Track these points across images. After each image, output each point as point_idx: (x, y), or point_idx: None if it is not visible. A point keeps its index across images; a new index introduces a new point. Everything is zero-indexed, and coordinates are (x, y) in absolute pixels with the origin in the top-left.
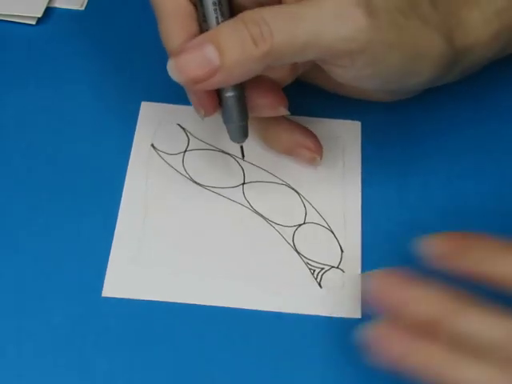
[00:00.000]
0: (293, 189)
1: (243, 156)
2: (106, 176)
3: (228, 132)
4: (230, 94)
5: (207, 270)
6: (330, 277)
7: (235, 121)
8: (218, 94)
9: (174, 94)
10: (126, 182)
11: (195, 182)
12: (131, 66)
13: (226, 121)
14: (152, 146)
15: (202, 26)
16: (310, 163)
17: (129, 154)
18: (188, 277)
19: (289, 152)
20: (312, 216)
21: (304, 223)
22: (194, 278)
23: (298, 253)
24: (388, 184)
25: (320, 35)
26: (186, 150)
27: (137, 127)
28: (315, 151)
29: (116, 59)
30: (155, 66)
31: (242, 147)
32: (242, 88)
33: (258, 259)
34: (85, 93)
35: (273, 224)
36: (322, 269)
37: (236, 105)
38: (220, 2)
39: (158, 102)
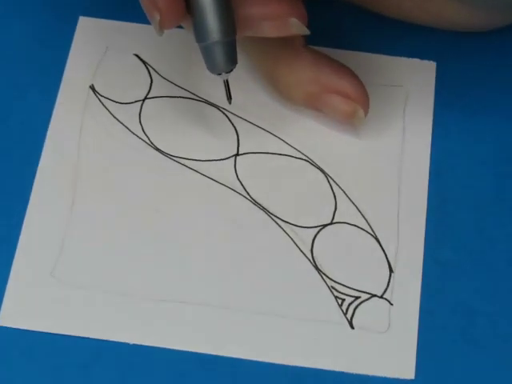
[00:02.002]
0: (316, 166)
1: (229, 98)
2: (17, 137)
3: (203, 56)
4: None
5: (164, 294)
6: (369, 311)
7: (212, 34)
8: None
9: (132, 6)
10: (44, 148)
11: (158, 150)
12: None
13: (199, 36)
14: (91, 88)
15: None
16: (345, 120)
17: (53, 101)
18: (133, 304)
19: (311, 102)
20: (345, 212)
21: (331, 223)
22: (142, 308)
23: (319, 271)
24: (472, 165)
25: None
26: (145, 98)
27: (69, 56)
28: (356, 100)
29: None
30: None
31: (226, 83)
32: None
33: (255, 280)
34: None
35: (281, 223)
36: (356, 298)
37: (214, 5)
38: None
39: (105, 18)
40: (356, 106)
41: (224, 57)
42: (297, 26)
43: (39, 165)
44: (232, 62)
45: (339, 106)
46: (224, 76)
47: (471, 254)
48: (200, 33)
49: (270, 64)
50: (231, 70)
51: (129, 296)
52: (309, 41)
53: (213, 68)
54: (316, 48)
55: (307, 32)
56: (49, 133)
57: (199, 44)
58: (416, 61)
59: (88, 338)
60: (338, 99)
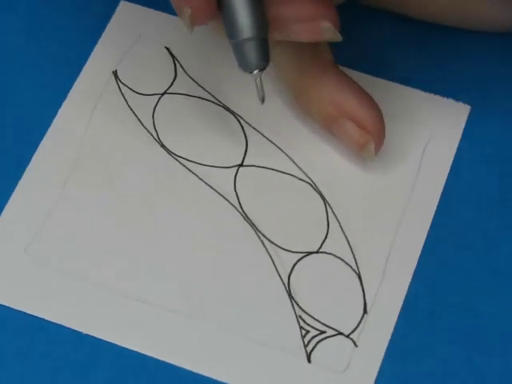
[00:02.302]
0: (317, 191)
1: (262, 100)
2: (29, 109)
3: (235, 53)
4: None
5: (131, 290)
6: (331, 349)
7: (245, 31)
8: None
9: None
10: (52, 125)
11: (163, 146)
12: None
13: (231, 32)
14: (114, 73)
15: None
16: (355, 150)
17: (74, 79)
18: (100, 295)
19: (327, 123)
20: (334, 243)
21: (317, 252)
22: (108, 301)
23: (291, 297)
24: (484, 226)
25: None
26: (164, 92)
27: (100, 39)
28: (370, 132)
29: None
30: None
31: (259, 81)
32: None
33: (225, 294)
34: None
35: (265, 242)
36: (322, 332)
37: (246, 1)
38: None
39: (146, 5)
40: (369, 139)
41: (256, 54)
42: (329, 31)
43: (42, 140)
44: (265, 59)
45: (352, 133)
46: (256, 75)
47: (475, 255)
48: (232, 29)
49: (295, 75)
50: (264, 69)
51: (97, 287)
52: (340, 60)
53: (245, 66)
54: (344, 69)
55: (339, 38)
56: (60, 110)
57: (231, 41)
58: (450, 101)
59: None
60: (353, 127)
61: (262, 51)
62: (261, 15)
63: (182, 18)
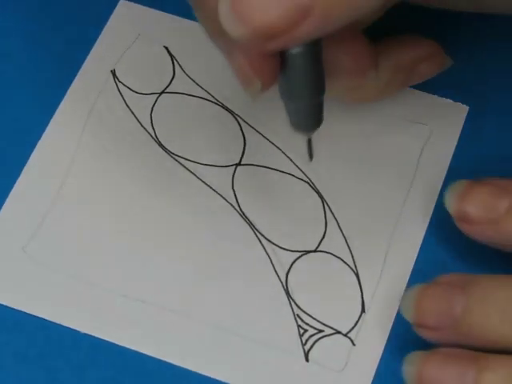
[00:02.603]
0: (315, 190)
1: (311, 157)
2: (28, 108)
3: (287, 113)
4: (299, 50)
5: (129, 290)
6: (328, 347)
7: (301, 95)
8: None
9: None
10: (50, 123)
11: (160, 145)
12: None
13: (286, 94)
14: (112, 72)
15: None
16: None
17: (73, 78)
18: (96, 295)
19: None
20: (332, 242)
21: (315, 251)
22: (105, 300)
23: (289, 296)
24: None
25: None
26: (163, 91)
27: (99, 37)
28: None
29: None
30: None
31: (310, 141)
32: (319, 39)
33: (221, 293)
34: None
35: (263, 240)
36: (319, 331)
37: (309, 69)
38: None
39: (145, 5)
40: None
41: (310, 118)
42: (447, 59)
43: (40, 139)
44: (318, 122)
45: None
46: (307, 135)
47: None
48: (287, 92)
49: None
50: (315, 130)
51: (93, 286)
52: None
53: (297, 127)
54: None
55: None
56: (59, 108)
57: (286, 101)
58: (448, 102)
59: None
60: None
61: (316, 115)
62: (318, 79)
63: (249, 89)
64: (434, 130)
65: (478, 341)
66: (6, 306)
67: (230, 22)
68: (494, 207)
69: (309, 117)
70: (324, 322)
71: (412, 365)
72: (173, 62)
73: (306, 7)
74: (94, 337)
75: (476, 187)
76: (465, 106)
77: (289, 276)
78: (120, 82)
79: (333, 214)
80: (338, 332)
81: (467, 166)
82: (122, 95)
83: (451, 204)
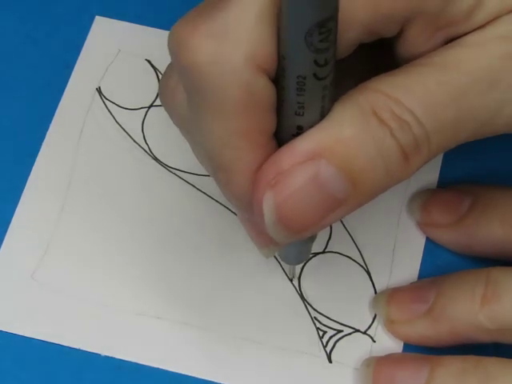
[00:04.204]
0: None
1: (291, 278)
2: (17, 133)
3: (280, 253)
4: None
5: (143, 308)
6: (350, 346)
7: (292, 261)
8: None
9: (152, 9)
10: (42, 147)
11: (156, 160)
12: None
13: (284, 257)
14: (98, 90)
15: (287, 117)
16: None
17: (59, 99)
18: (110, 315)
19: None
20: (339, 242)
21: (323, 252)
22: (118, 320)
23: (304, 300)
24: None
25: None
26: (151, 105)
27: (80, 56)
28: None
29: None
30: None
31: (294, 268)
32: None
33: (237, 302)
34: None
35: None
36: (339, 331)
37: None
38: (331, 83)
39: (122, 19)
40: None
41: (299, 256)
42: None
43: (34, 164)
44: (305, 258)
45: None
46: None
47: None
48: (284, 253)
49: None
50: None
51: (106, 307)
52: None
53: (286, 260)
54: None
55: None
56: (49, 131)
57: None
58: None
59: (59, 345)
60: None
61: (303, 254)
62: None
63: (263, 251)
64: None
65: None
66: (23, 336)
67: (275, 231)
68: (456, 208)
69: (298, 255)
70: (342, 322)
71: (368, 366)
72: (157, 75)
73: (340, 200)
74: (114, 358)
75: (438, 193)
76: None
77: (301, 280)
78: (107, 99)
79: None
80: (357, 330)
81: (463, 163)
82: (110, 112)
83: (415, 211)
